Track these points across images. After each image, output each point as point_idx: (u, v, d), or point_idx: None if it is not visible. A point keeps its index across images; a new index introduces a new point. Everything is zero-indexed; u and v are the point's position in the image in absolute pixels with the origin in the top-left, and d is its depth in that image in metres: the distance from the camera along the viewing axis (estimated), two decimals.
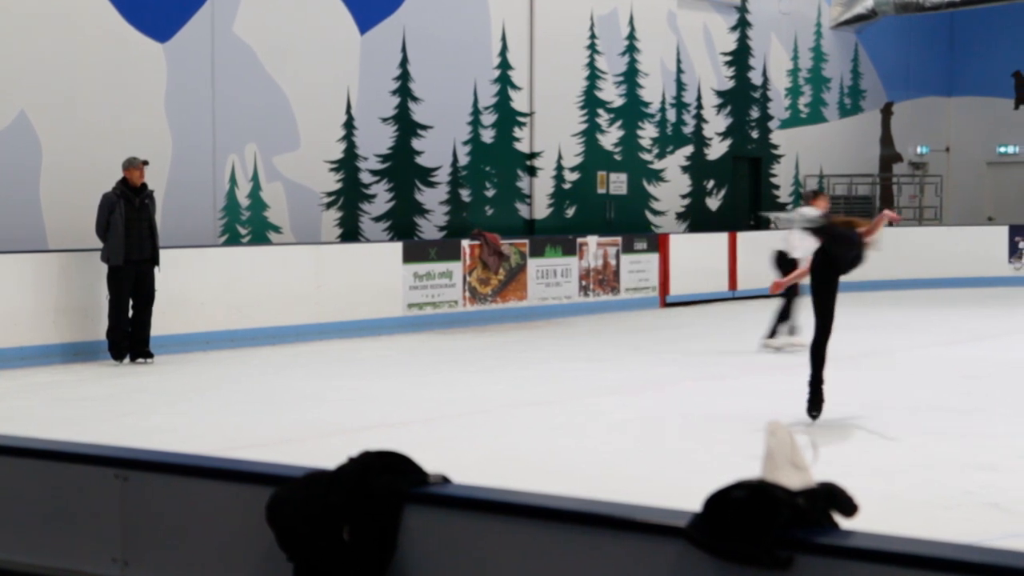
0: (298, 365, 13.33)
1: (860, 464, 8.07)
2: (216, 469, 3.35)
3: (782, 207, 24.16)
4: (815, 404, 9.63)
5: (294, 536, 3.02)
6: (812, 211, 11.25)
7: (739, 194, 23.84)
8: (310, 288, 15.59)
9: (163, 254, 13.56)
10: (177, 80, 15.43)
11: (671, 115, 22.32)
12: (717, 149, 23.26)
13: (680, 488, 6.85)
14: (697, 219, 22.77)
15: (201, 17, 15.68)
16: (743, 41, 23.72)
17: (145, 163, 13.56)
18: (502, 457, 8.49)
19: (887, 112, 27.21)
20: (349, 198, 17.49)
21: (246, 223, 16.29)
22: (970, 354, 14.22)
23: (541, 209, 20.18)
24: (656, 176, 22.08)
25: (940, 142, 28.52)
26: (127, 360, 13.33)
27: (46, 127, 14.27)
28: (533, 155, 20.06)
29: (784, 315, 14.45)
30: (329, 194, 17.25)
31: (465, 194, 19.01)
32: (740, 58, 23.70)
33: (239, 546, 3.21)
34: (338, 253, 16.27)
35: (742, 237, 21.82)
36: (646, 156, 21.91)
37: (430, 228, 18.47)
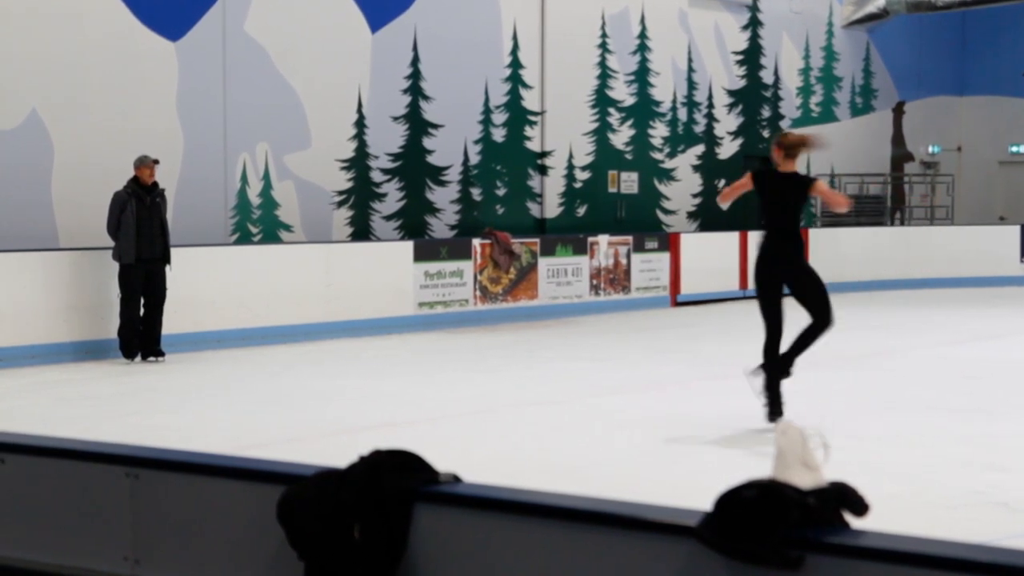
0: (306, 364, 13.33)
1: (864, 464, 8.04)
2: (227, 467, 3.35)
3: None
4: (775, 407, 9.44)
5: (305, 535, 3.02)
6: None
7: (750, 193, 23.69)
8: (321, 287, 15.60)
9: (174, 253, 13.57)
10: (188, 79, 15.45)
11: (682, 114, 22.30)
12: (728, 148, 23.23)
13: (685, 488, 6.84)
14: (708, 218, 22.74)
15: (212, 16, 15.70)
16: (754, 40, 23.69)
17: (156, 162, 13.57)
18: (506, 456, 8.45)
19: (899, 111, 27.15)
20: (360, 197, 17.50)
21: (257, 222, 16.30)
22: (975, 354, 14.17)
23: (552, 208, 20.17)
24: (667, 175, 22.06)
25: (952, 141, 28.45)
26: (138, 359, 13.35)
27: (57, 126, 14.30)
28: (544, 154, 20.05)
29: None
30: (340, 193, 17.26)
31: (476, 193, 19.01)
32: (751, 57, 23.67)
33: (250, 544, 3.21)
34: (349, 252, 16.28)
35: (753, 236, 21.77)
36: (657, 155, 21.89)
37: (441, 227, 18.47)
